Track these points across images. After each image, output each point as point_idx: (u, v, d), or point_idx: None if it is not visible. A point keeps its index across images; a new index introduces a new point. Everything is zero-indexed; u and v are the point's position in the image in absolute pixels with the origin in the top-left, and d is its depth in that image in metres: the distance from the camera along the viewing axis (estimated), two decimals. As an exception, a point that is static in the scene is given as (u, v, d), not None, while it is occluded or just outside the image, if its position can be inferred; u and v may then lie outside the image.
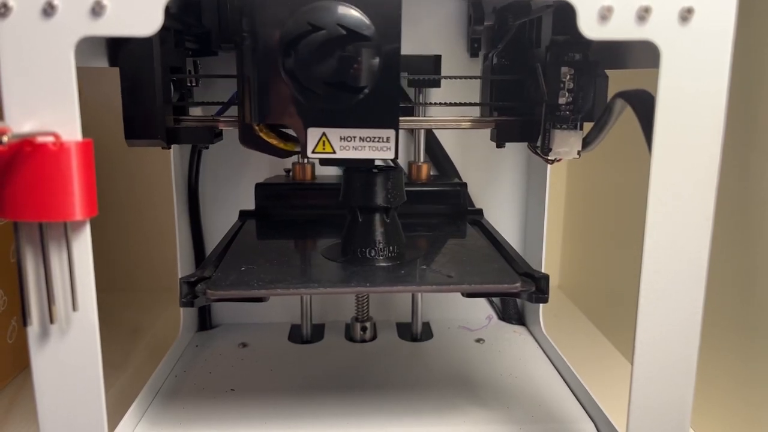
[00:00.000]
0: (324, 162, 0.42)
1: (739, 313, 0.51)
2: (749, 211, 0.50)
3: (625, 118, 0.40)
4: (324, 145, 0.40)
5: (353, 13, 0.38)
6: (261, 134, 0.43)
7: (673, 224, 0.37)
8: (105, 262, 0.39)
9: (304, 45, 0.38)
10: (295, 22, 0.38)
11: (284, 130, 0.44)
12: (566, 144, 0.45)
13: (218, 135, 0.49)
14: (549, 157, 0.46)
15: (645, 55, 0.40)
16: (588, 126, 0.45)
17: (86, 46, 0.34)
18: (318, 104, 0.40)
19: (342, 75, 0.38)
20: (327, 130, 0.40)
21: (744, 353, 0.51)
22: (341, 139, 0.40)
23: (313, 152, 0.40)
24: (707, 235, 0.37)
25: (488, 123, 0.49)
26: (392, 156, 0.41)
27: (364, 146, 0.40)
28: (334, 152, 0.40)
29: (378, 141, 0.40)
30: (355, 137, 0.40)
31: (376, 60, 0.38)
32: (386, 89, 0.40)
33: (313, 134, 0.40)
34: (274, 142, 0.43)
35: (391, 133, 0.40)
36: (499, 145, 0.50)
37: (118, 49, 0.42)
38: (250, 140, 0.43)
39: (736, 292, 0.51)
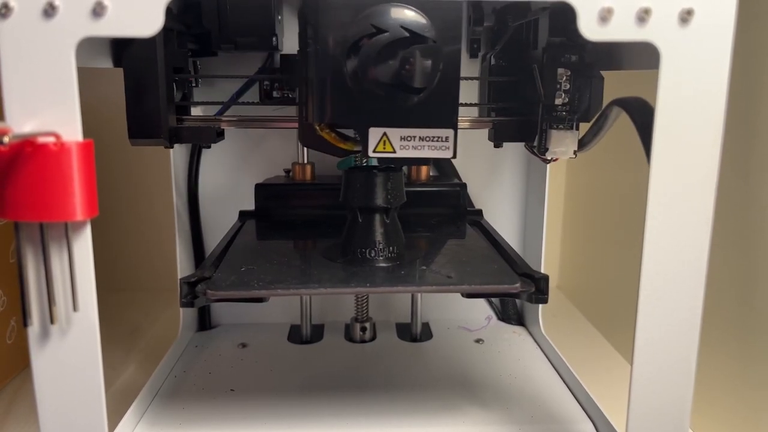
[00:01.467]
0: (383, 161, 0.43)
1: (738, 314, 0.51)
2: (749, 212, 0.50)
3: (624, 118, 0.41)
4: (384, 144, 0.41)
5: (415, 16, 0.38)
6: (322, 134, 0.43)
7: (672, 225, 0.37)
8: (105, 262, 0.39)
9: (367, 47, 0.38)
10: (359, 25, 0.38)
11: (343, 129, 0.44)
12: (563, 144, 0.46)
13: (220, 134, 0.49)
14: (546, 157, 0.47)
15: (644, 56, 0.40)
16: (584, 126, 0.45)
17: (90, 46, 0.34)
18: (379, 105, 0.40)
19: (403, 76, 0.38)
20: (388, 130, 0.41)
21: (743, 354, 0.51)
22: (401, 138, 0.41)
23: (374, 151, 0.41)
24: (707, 236, 0.37)
25: (486, 123, 0.49)
26: (451, 155, 0.41)
27: (424, 146, 0.41)
28: (395, 151, 0.41)
29: (437, 141, 0.41)
30: (415, 137, 0.41)
31: (437, 61, 0.39)
32: (446, 90, 0.40)
33: (375, 134, 0.41)
34: (334, 141, 0.44)
35: (450, 132, 0.41)
36: (497, 145, 0.50)
37: (122, 49, 0.43)
38: (310, 139, 0.44)
39: (736, 293, 0.52)
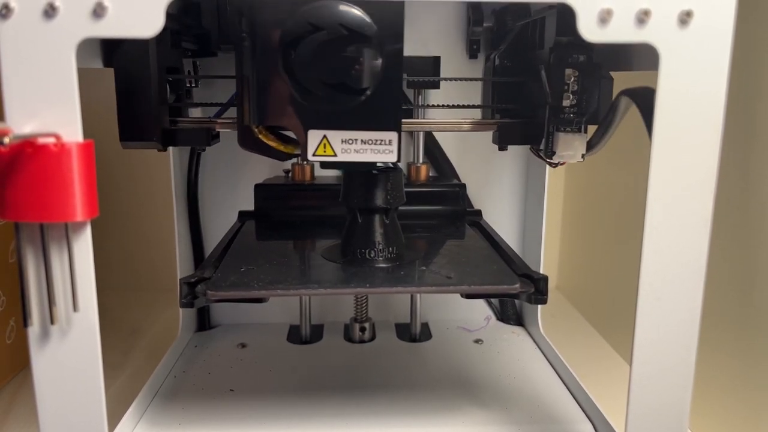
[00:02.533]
0: (325, 165, 0.41)
1: (737, 314, 0.51)
2: (748, 213, 0.50)
3: (624, 119, 0.40)
4: (325, 147, 0.40)
5: (355, 13, 0.37)
6: (260, 136, 0.42)
7: (672, 225, 0.37)
8: (104, 262, 0.39)
9: (304, 45, 0.37)
10: (296, 22, 0.37)
11: (284, 132, 0.43)
12: (570, 147, 0.44)
13: (215, 137, 0.49)
14: (553, 161, 0.46)
15: (643, 57, 0.40)
16: (592, 128, 0.45)
17: (83, 46, 0.34)
18: (319, 106, 0.39)
19: (343, 76, 0.37)
20: (328, 133, 0.40)
21: (742, 354, 0.51)
22: (342, 141, 0.40)
23: (314, 155, 0.40)
24: (706, 236, 0.37)
25: (490, 125, 0.48)
26: (394, 159, 0.40)
27: (366, 149, 0.40)
28: (336, 155, 0.40)
29: (380, 143, 0.40)
30: (356, 140, 0.40)
31: (378, 61, 0.38)
32: (388, 91, 0.39)
33: (314, 136, 0.40)
34: (273, 144, 0.43)
35: (393, 135, 0.40)
36: (501, 148, 0.50)
37: (112, 49, 0.42)
38: (249, 142, 0.42)
39: (735, 293, 0.52)
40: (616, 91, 0.44)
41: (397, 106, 0.40)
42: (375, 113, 0.39)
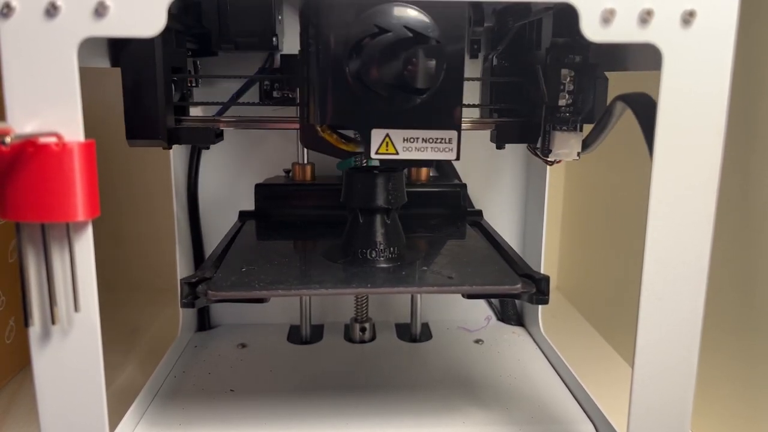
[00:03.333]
0: (385, 162, 0.42)
1: (739, 315, 0.51)
2: (750, 213, 0.50)
3: (624, 119, 0.41)
4: (387, 146, 0.40)
5: (419, 16, 0.38)
6: (324, 135, 0.43)
7: (674, 225, 0.37)
8: (104, 262, 0.39)
9: (369, 47, 0.38)
10: (361, 25, 0.38)
11: (345, 131, 0.44)
12: (566, 146, 0.45)
13: (219, 135, 0.49)
14: (549, 159, 0.47)
15: (646, 57, 0.40)
16: (588, 128, 0.45)
17: (87, 46, 0.34)
18: (382, 106, 0.39)
19: (407, 77, 0.38)
20: (390, 132, 0.40)
21: (744, 355, 0.51)
22: (404, 140, 0.40)
23: (376, 153, 0.41)
24: (708, 237, 0.37)
25: (488, 124, 0.49)
26: (454, 157, 0.41)
27: (427, 147, 0.41)
28: (397, 153, 0.41)
29: (440, 142, 0.41)
30: (418, 138, 0.40)
31: (441, 62, 0.38)
32: (449, 91, 0.40)
33: (377, 135, 0.40)
34: (336, 143, 0.43)
35: (453, 134, 0.41)
36: (499, 147, 0.50)
37: (119, 49, 0.42)
38: (311, 141, 0.43)
39: (737, 294, 0.52)
40: (611, 91, 0.44)
41: (458, 105, 0.40)
42: (436, 112, 0.40)
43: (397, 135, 0.40)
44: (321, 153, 0.44)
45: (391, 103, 0.39)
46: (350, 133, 0.44)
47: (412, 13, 0.38)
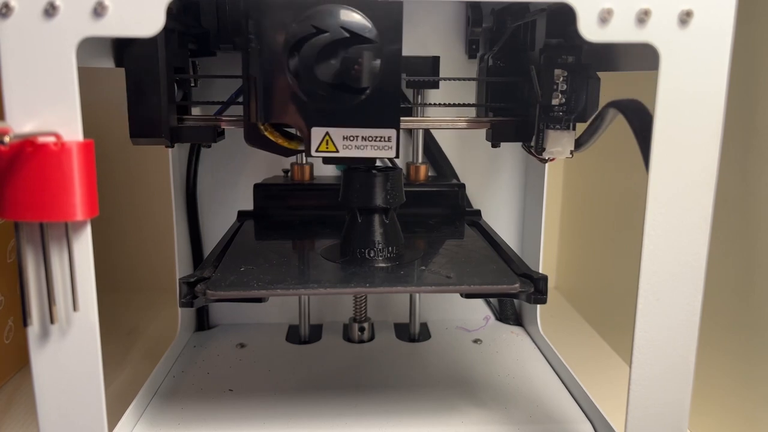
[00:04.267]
0: (327, 161, 0.43)
1: (737, 315, 0.51)
2: (747, 213, 0.50)
3: (621, 120, 0.41)
4: (327, 144, 0.41)
5: (356, 17, 0.38)
6: (266, 133, 0.43)
7: (671, 225, 0.37)
8: (103, 261, 0.39)
9: (308, 47, 0.39)
10: (300, 25, 0.39)
11: (288, 129, 0.44)
12: (559, 144, 0.46)
13: (220, 134, 0.49)
14: (543, 157, 0.47)
15: (643, 57, 0.40)
16: (581, 126, 0.46)
17: (91, 46, 0.34)
18: (321, 104, 0.40)
19: (345, 76, 0.39)
20: (330, 130, 0.41)
21: (742, 354, 0.51)
22: (344, 138, 0.41)
23: (316, 151, 0.41)
24: (706, 237, 0.37)
25: (484, 123, 0.49)
26: (393, 155, 0.42)
27: (366, 145, 0.41)
28: (337, 151, 0.41)
29: (380, 140, 0.41)
30: (357, 136, 0.41)
31: (378, 61, 0.39)
32: (388, 90, 0.40)
33: (317, 134, 0.41)
34: (278, 140, 0.44)
35: (392, 132, 0.41)
36: (494, 145, 0.50)
37: (123, 49, 0.43)
38: (255, 139, 0.44)
39: (734, 293, 0.52)
40: (603, 91, 0.44)
41: (396, 104, 0.41)
42: (375, 111, 0.41)
43: (337, 133, 0.41)
44: (265, 151, 0.44)
45: (331, 102, 0.40)
46: (293, 131, 0.44)
47: (349, 14, 0.39)
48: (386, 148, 0.41)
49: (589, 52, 0.44)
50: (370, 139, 0.41)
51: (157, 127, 0.44)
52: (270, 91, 0.41)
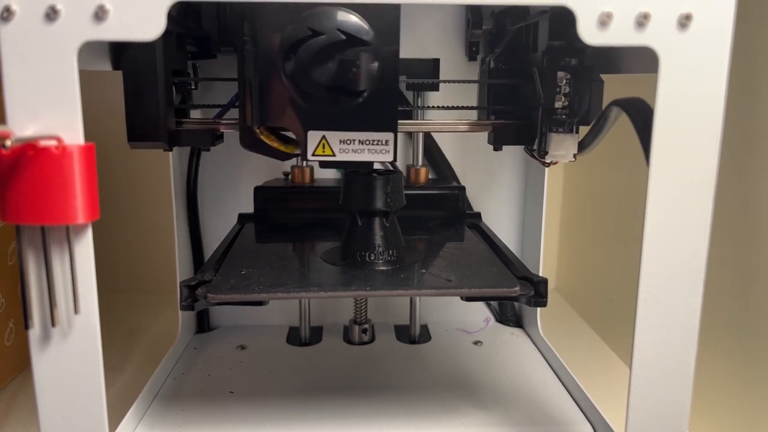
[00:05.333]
0: (324, 164, 0.42)
1: (736, 316, 0.52)
2: (747, 215, 0.50)
3: (622, 122, 0.41)
4: (324, 147, 0.41)
5: (353, 19, 0.38)
6: (261, 137, 0.43)
7: (671, 227, 0.37)
8: (103, 263, 0.39)
9: (304, 49, 0.38)
10: (296, 27, 0.38)
11: (284, 132, 0.44)
12: (562, 147, 0.46)
13: (219, 137, 0.49)
14: (545, 160, 0.47)
15: (643, 60, 0.40)
16: (584, 129, 0.46)
17: (89, 49, 0.34)
18: (318, 108, 0.40)
19: (341, 79, 0.38)
20: (327, 133, 0.41)
21: (742, 356, 0.51)
22: (341, 142, 0.41)
23: (313, 155, 0.41)
24: (705, 238, 0.37)
25: (485, 126, 0.49)
26: (391, 158, 0.41)
27: (363, 149, 0.41)
28: (334, 155, 0.41)
29: (377, 144, 0.41)
30: (354, 140, 0.41)
31: (375, 64, 0.39)
32: (385, 93, 0.40)
33: (313, 137, 0.41)
34: (274, 144, 0.44)
35: (389, 136, 0.41)
36: (496, 148, 0.50)
37: (121, 52, 0.42)
38: (250, 143, 0.43)
39: (735, 295, 0.52)
40: (606, 94, 0.44)
41: (394, 107, 0.41)
42: (372, 114, 0.41)
43: (334, 137, 0.41)
44: (261, 154, 0.44)
45: (327, 105, 0.40)
46: (289, 134, 0.44)
47: (346, 16, 0.38)
48: (384, 151, 0.41)
49: (592, 54, 0.44)
50: (368, 142, 0.41)
51: (154, 131, 0.44)
52: (265, 94, 0.40)
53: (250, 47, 0.40)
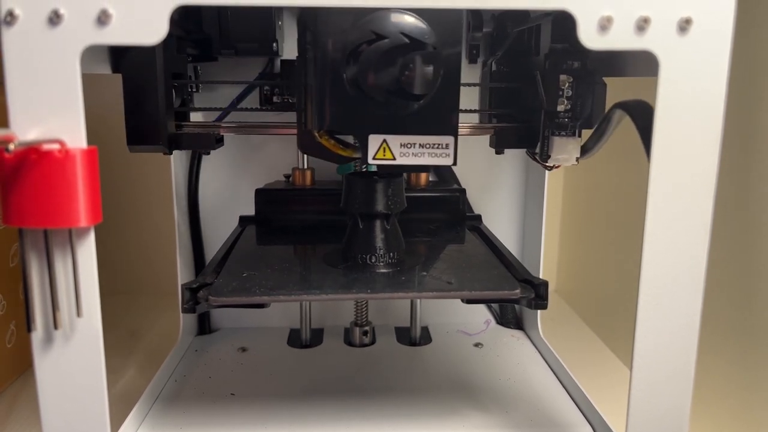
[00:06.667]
0: (383, 168, 0.42)
1: (737, 318, 0.52)
2: (747, 218, 0.50)
3: (622, 124, 0.41)
4: (384, 151, 0.41)
5: (415, 22, 0.38)
6: (321, 141, 0.43)
7: (672, 230, 0.37)
8: (105, 266, 0.39)
9: (366, 53, 0.38)
10: (359, 31, 0.38)
11: (343, 136, 0.44)
12: (565, 151, 0.45)
13: (219, 141, 0.49)
14: (548, 164, 0.47)
15: (643, 64, 0.40)
16: (586, 133, 0.46)
17: (88, 52, 0.34)
18: (379, 111, 0.40)
19: (403, 83, 0.38)
20: (388, 137, 0.40)
21: (742, 358, 0.51)
22: (401, 145, 0.41)
23: (374, 158, 0.41)
24: (706, 241, 0.37)
25: (487, 129, 0.49)
26: (451, 162, 0.41)
27: (424, 152, 0.41)
28: (394, 158, 0.41)
29: (437, 147, 0.41)
30: (414, 144, 0.41)
31: (438, 67, 0.38)
32: (446, 96, 0.40)
33: (374, 141, 0.40)
34: (334, 148, 0.43)
35: (450, 139, 0.41)
36: (498, 152, 0.50)
37: (120, 55, 0.43)
38: (309, 146, 0.44)
39: (735, 297, 0.52)
40: (609, 97, 0.44)
41: (455, 111, 0.41)
42: (433, 118, 0.40)
43: (395, 141, 0.40)
44: (319, 158, 0.44)
45: (388, 109, 0.39)
46: (348, 139, 0.44)
47: (409, 20, 0.38)
48: (444, 155, 0.41)
49: (595, 57, 0.44)
50: (428, 146, 0.41)
51: (154, 135, 0.44)
52: (326, 98, 0.40)
53: (311, 53, 0.39)
